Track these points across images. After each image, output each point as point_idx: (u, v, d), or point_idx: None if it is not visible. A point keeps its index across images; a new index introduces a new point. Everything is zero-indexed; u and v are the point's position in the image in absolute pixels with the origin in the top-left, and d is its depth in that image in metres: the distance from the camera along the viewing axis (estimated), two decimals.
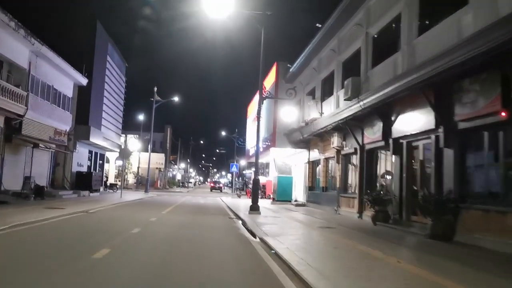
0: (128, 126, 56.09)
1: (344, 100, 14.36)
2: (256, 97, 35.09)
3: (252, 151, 34.22)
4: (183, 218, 14.58)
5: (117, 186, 34.85)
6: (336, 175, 18.46)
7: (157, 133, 75.64)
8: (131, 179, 59.04)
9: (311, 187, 23.41)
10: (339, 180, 18.15)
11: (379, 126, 13.53)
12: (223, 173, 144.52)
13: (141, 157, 62.63)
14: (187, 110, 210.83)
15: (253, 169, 65.84)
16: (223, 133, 61.05)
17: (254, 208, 16.41)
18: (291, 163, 26.54)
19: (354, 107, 13.58)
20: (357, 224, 13.64)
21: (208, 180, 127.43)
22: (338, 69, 17.03)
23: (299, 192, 26.11)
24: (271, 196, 33.93)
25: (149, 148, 37.80)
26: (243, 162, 72.59)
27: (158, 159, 62.21)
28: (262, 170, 62.89)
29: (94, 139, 27.49)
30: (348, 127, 15.61)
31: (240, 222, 13.89)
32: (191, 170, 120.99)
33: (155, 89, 36.40)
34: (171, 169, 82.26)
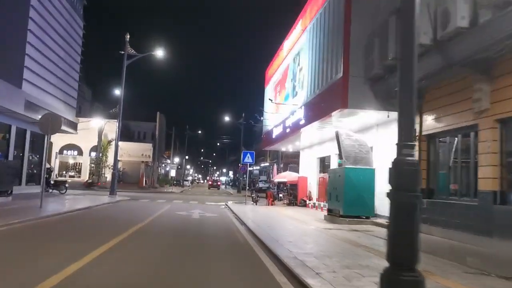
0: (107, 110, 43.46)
1: None
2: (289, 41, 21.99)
3: (276, 132, 21.74)
4: None
5: (66, 185, 22.41)
6: None
7: (148, 122, 63.26)
8: (108, 175, 46.46)
9: (430, 190, 10.88)
10: None
11: None
12: (224, 170, 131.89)
13: (123, 147, 50.04)
14: (183, 98, 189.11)
15: (264, 164, 52.89)
16: (227, 119, 48.44)
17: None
18: (367, 144, 13.87)
19: None
20: None
21: (208, 178, 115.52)
22: None
23: (382, 200, 13.59)
24: (310, 202, 21.46)
25: (116, 129, 25.01)
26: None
27: (144, 150, 49.69)
28: (280, 163, 50.02)
29: None
30: None
31: None
32: (188, 166, 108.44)
33: (127, 37, 23.82)
34: (163, 165, 69.77)
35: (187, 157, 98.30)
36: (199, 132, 69.17)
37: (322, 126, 15.18)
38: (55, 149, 48.36)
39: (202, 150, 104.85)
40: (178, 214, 15.15)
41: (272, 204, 22.62)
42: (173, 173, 70.59)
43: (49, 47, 19.90)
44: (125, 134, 60.81)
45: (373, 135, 14.29)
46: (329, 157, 19.43)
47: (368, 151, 13.38)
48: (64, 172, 49.77)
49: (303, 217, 15.37)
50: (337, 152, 14.40)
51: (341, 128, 14.26)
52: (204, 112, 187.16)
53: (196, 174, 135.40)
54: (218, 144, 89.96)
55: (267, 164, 58.18)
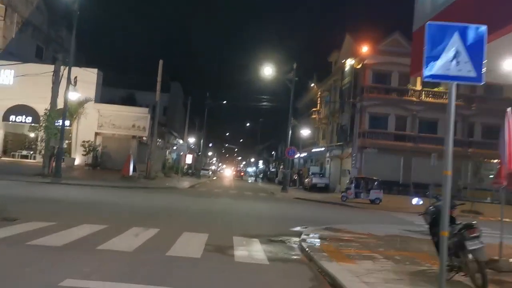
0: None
1: None
2: None
3: None
4: None
5: None
6: None
7: (162, 93, 45.15)
8: (78, 156, 29.12)
9: None
10: None
11: None
12: (252, 159, 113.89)
13: (104, 113, 32.22)
14: (206, 59, 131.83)
15: (316, 149, 32.26)
16: (268, 72, 29.70)
17: None
18: None
19: None
20: None
21: (232, 168, 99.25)
22: None
23: None
24: None
25: None
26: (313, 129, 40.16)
27: (136, 118, 31.87)
28: (352, 148, 28.88)
29: None
30: None
31: None
32: (210, 153, 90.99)
33: None
34: (174, 147, 51.97)
35: (210, 144, 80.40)
36: (224, 102, 50.48)
37: None
38: None
39: (228, 134, 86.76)
40: None
41: None
42: (189, 159, 52.61)
43: None
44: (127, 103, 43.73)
45: None
46: None
47: None
48: (15, 152, 31.91)
49: None
50: None
51: None
52: (235, 76, 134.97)
53: (220, 164, 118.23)
54: (247, 124, 71.82)
55: (322, 148, 39.30)
